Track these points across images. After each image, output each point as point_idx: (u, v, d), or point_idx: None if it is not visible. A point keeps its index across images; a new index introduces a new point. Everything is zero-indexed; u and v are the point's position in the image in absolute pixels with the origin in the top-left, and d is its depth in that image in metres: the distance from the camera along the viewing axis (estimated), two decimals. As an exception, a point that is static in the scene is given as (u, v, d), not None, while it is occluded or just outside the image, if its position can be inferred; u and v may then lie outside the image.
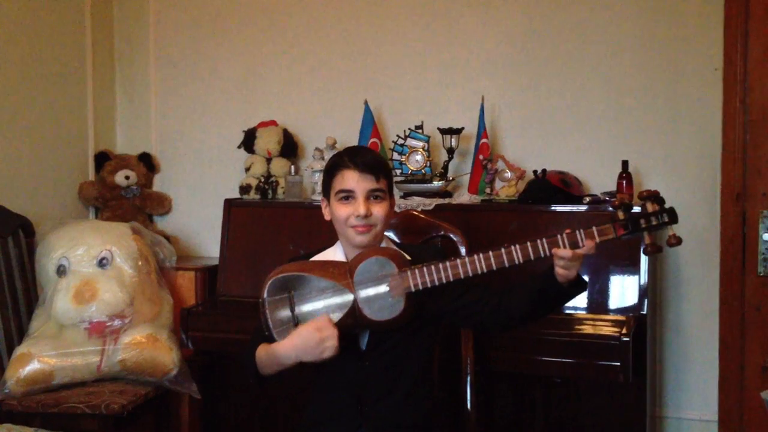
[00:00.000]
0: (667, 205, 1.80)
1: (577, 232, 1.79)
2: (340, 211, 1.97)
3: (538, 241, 1.80)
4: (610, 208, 1.80)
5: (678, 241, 1.77)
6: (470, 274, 1.84)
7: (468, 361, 2.36)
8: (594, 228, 1.79)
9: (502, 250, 1.82)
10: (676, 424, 3.20)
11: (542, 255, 1.81)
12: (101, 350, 2.75)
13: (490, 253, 1.82)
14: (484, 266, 1.83)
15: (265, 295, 1.92)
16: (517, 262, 1.81)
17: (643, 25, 3.15)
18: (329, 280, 1.89)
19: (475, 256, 1.83)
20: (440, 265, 1.85)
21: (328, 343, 1.85)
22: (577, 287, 1.87)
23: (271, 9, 3.60)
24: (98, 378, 2.76)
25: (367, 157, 2.00)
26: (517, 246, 1.81)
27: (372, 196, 1.97)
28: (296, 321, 1.90)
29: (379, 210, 1.97)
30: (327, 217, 2.04)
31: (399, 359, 1.97)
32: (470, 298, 1.97)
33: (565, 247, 1.79)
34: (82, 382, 2.73)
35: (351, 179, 1.96)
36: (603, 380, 2.60)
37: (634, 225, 1.78)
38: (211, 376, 3.18)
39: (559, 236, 1.79)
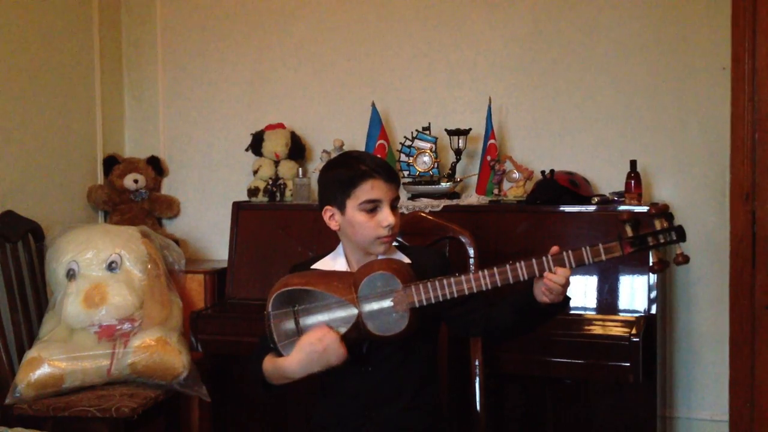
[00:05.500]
0: (676, 223, 1.78)
1: (583, 249, 1.77)
2: (365, 222, 1.91)
3: (544, 258, 1.78)
4: (619, 220, 1.79)
5: (685, 259, 1.76)
6: (474, 291, 1.82)
7: (477, 363, 2.35)
8: (600, 245, 1.77)
9: (507, 267, 1.80)
10: (686, 424, 3.19)
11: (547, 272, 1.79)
12: (111, 354, 2.75)
13: (495, 269, 1.80)
14: (488, 283, 1.81)
15: (270, 308, 1.92)
16: (522, 279, 1.79)
17: (650, 25, 3.14)
18: (333, 295, 1.87)
19: (480, 273, 1.81)
20: (444, 281, 1.82)
21: (331, 350, 1.84)
22: (560, 306, 1.84)
23: (277, 12, 3.60)
24: (108, 381, 2.76)
25: (386, 164, 1.97)
26: (522, 263, 1.79)
27: (393, 204, 1.95)
28: (301, 334, 1.90)
29: (398, 218, 1.95)
30: (335, 227, 1.98)
31: (401, 363, 1.97)
32: (465, 309, 1.95)
33: (571, 266, 1.77)
34: (92, 386, 2.74)
35: (379, 189, 1.91)
36: (613, 381, 2.59)
37: (641, 243, 1.77)
38: (221, 378, 3.19)
39: (564, 254, 1.78)
